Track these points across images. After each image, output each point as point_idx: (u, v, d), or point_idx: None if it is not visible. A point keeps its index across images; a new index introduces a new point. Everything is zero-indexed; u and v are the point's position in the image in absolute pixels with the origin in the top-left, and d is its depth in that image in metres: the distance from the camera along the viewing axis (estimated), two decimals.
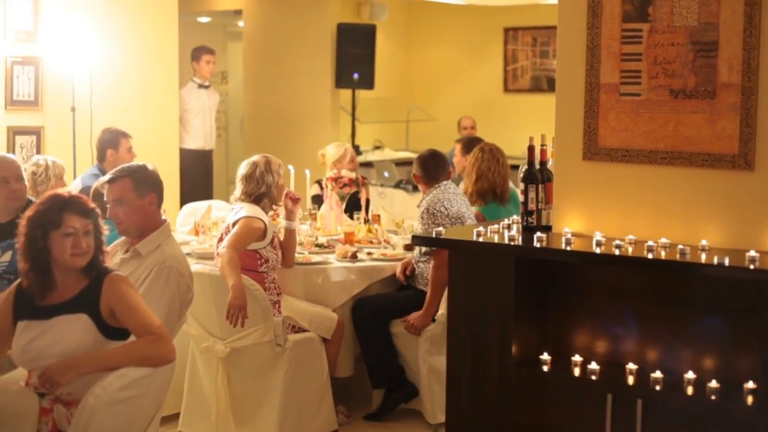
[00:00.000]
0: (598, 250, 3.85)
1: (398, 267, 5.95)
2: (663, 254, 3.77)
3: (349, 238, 6.41)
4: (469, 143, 7.20)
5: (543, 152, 4.37)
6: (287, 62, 11.37)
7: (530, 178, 4.31)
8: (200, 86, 9.84)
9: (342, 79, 10.97)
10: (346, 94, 11.29)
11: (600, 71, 4.09)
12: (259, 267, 5.44)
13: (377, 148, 12.55)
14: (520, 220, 4.36)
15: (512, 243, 4.01)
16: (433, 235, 4.19)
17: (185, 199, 8.79)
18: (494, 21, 12.54)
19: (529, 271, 4.09)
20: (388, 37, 12.75)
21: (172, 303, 4.29)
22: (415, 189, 10.16)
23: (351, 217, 7.04)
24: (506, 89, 12.73)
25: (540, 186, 4.31)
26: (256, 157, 5.64)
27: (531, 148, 4.32)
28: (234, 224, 5.39)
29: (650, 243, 3.79)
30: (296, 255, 5.89)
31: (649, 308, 3.99)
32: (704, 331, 3.87)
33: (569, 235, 3.97)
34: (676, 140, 3.96)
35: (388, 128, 12.86)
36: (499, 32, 12.67)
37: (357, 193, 7.05)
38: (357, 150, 11.10)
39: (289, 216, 5.72)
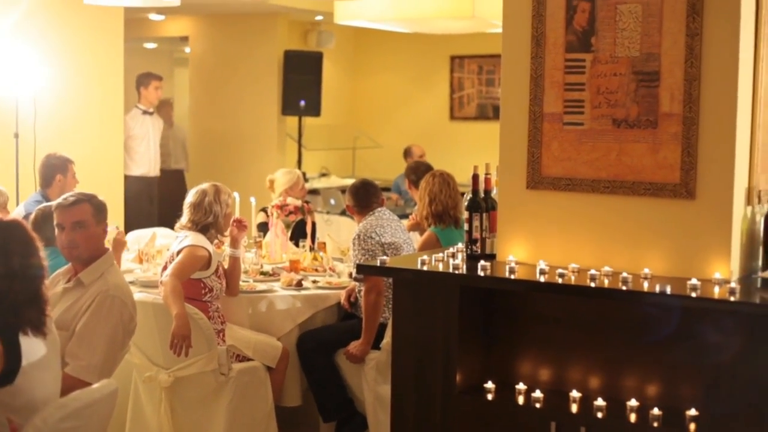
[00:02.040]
0: (541, 279, 3.86)
1: (342, 295, 5.93)
2: (606, 282, 3.79)
3: (294, 266, 6.38)
4: (416, 170, 7.23)
5: (487, 181, 4.39)
6: (234, 88, 11.36)
7: (474, 207, 4.32)
8: (144, 112, 9.78)
9: (288, 106, 10.98)
10: (292, 120, 11.30)
11: (543, 101, 4.12)
12: (203, 296, 5.39)
13: (323, 175, 12.56)
14: (464, 249, 4.37)
15: (456, 272, 4.01)
16: (378, 264, 4.18)
17: (129, 226, 8.72)
18: (441, 49, 12.61)
19: (473, 300, 4.09)
20: (335, 64, 12.78)
21: (115, 333, 4.23)
22: None
23: (296, 245, 7.01)
24: (452, 117, 12.79)
25: (484, 214, 4.32)
26: (205, 186, 5.60)
27: (475, 177, 4.34)
28: (178, 252, 5.35)
29: (593, 271, 3.81)
30: (241, 283, 5.86)
31: (593, 336, 4.00)
32: (647, 359, 3.90)
33: (513, 264, 3.98)
34: (618, 169, 3.99)
35: (334, 155, 12.87)
36: (446, 60, 12.75)
37: (303, 220, 7.03)
38: (303, 177, 11.08)
39: (234, 244, 5.69)
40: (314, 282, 6.12)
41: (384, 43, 12.94)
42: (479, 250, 4.31)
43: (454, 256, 4.35)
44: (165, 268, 5.40)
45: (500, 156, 4.26)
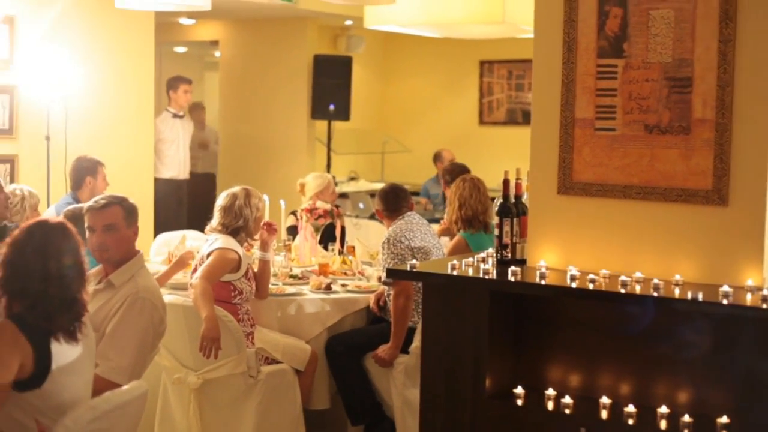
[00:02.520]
0: (572, 285, 3.85)
1: (371, 298, 5.94)
2: (637, 289, 3.78)
3: (323, 270, 6.39)
4: (452, 172, 7.23)
5: (518, 186, 4.38)
6: (263, 93, 11.39)
7: (505, 212, 4.32)
8: (175, 116, 9.82)
9: (318, 111, 11.00)
10: (321, 125, 11.32)
11: (575, 106, 4.12)
12: (232, 298, 5.41)
13: (352, 179, 12.56)
14: (494, 254, 4.37)
15: (486, 277, 4.01)
16: (408, 268, 4.18)
17: (159, 229, 8.76)
18: (470, 54, 12.59)
19: (503, 305, 4.09)
20: (364, 68, 12.79)
21: (145, 335, 4.25)
22: None
23: (326, 248, 7.02)
24: (481, 122, 12.77)
25: (515, 219, 4.32)
26: (236, 189, 5.62)
27: (506, 182, 4.34)
28: (208, 255, 5.37)
29: (624, 278, 3.80)
30: (270, 286, 5.87)
31: (623, 342, 3.99)
32: (678, 366, 3.88)
33: (543, 269, 3.98)
34: (650, 175, 3.98)
35: (363, 159, 12.88)
36: (475, 65, 12.73)
37: (332, 224, 7.04)
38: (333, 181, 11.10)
39: (264, 247, 5.70)
40: (343, 286, 6.13)
41: (413, 48, 12.93)
42: (509, 255, 4.31)
43: (484, 260, 4.35)
44: (195, 270, 5.42)
45: (531, 161, 4.26)
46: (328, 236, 7.16)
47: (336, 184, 11.41)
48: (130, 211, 4.45)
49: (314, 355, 5.65)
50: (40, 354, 3.47)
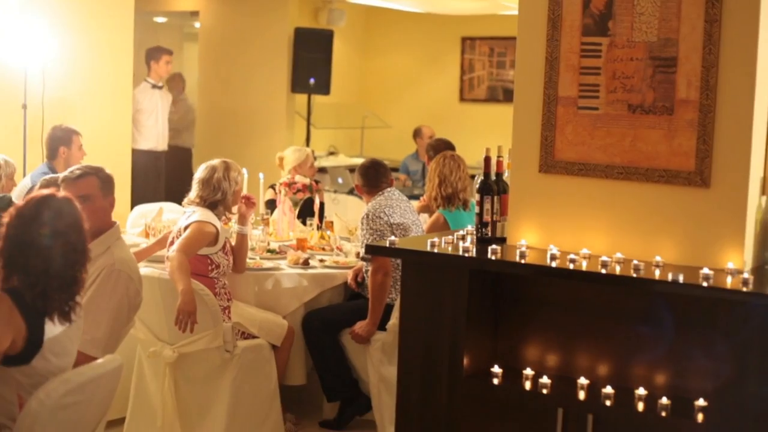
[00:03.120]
0: (552, 264, 3.82)
1: (349, 274, 5.90)
2: (617, 269, 3.76)
3: (301, 245, 6.35)
4: (436, 147, 7.19)
5: (499, 163, 4.35)
6: (243, 65, 11.30)
7: (486, 189, 4.28)
8: (154, 86, 9.73)
9: (298, 84, 10.93)
10: (301, 98, 11.24)
11: (558, 84, 4.08)
12: (209, 272, 5.37)
13: (332, 153, 12.51)
14: (474, 231, 4.33)
15: (466, 255, 3.98)
16: (387, 245, 4.14)
17: (136, 200, 8.69)
18: (452, 30, 12.53)
19: (482, 284, 4.06)
20: (345, 43, 12.71)
21: (120, 307, 4.21)
22: None
23: (304, 223, 6.98)
24: (462, 98, 12.72)
25: (495, 197, 4.28)
26: (215, 162, 5.56)
27: (487, 159, 4.30)
28: (185, 228, 5.32)
29: (604, 258, 3.78)
30: (248, 260, 5.83)
31: (602, 323, 3.97)
32: (656, 347, 3.86)
33: (524, 248, 3.95)
34: (632, 155, 3.95)
35: (342, 134, 12.81)
36: (457, 41, 12.67)
37: (311, 198, 6.99)
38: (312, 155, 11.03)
39: (242, 221, 5.65)
40: (321, 261, 6.09)
41: (395, 23, 12.86)
42: (490, 234, 4.28)
43: (464, 238, 4.32)
44: (172, 243, 5.37)
45: (513, 139, 4.22)
46: (306, 211, 7.12)
47: (315, 158, 11.43)
48: (105, 182, 4.39)
49: (291, 331, 5.62)
50: (32, 332, 3.40)
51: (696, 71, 3.80)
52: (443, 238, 4.22)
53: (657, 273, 3.71)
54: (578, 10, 4.02)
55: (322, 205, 7.20)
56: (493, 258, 3.92)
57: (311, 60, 10.91)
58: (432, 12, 11.69)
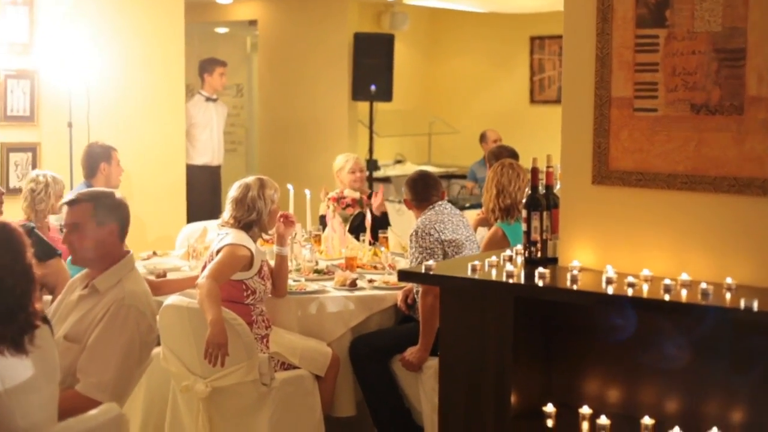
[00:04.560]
0: (609, 290, 3.35)
1: (399, 296, 5.47)
2: (683, 295, 3.27)
3: (350, 263, 5.94)
4: (497, 155, 6.74)
5: (549, 175, 3.89)
6: (303, 74, 10.96)
7: (534, 205, 3.82)
8: (208, 99, 9.41)
9: (359, 91, 10.53)
10: (364, 106, 10.84)
11: (611, 83, 3.60)
12: (245, 299, 4.99)
13: (398, 162, 12.10)
14: (523, 251, 3.88)
15: (511, 280, 3.52)
16: (422, 270, 3.70)
17: (192, 217, 8.42)
18: (520, 30, 12.05)
19: (530, 311, 3.60)
20: (409, 46, 12.29)
21: (131, 346, 3.82)
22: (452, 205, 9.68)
23: (358, 239, 6.58)
24: (532, 100, 12.22)
25: (545, 213, 3.82)
26: (250, 179, 5.18)
27: (534, 171, 3.84)
28: (217, 252, 4.95)
29: (667, 281, 3.29)
30: (291, 283, 5.44)
31: (668, 354, 3.47)
32: (731, 382, 3.36)
33: (576, 271, 3.48)
34: (697, 162, 3.46)
35: (409, 141, 12.39)
36: (525, 41, 12.17)
37: (362, 213, 6.58)
38: (374, 164, 10.65)
39: (281, 241, 5.26)
40: (370, 281, 5.67)
41: (460, 25, 12.40)
42: (539, 254, 3.81)
43: (511, 260, 3.87)
44: (204, 268, 5.00)
45: (562, 147, 3.76)
46: (360, 226, 6.71)
47: (378, 167, 11.04)
48: (102, 209, 3.97)
49: (335, 359, 5.21)
50: None
51: None
52: (487, 261, 3.77)
53: (728, 297, 3.21)
54: None
55: (377, 219, 6.81)
56: (541, 284, 3.46)
57: (372, 66, 10.51)
58: (497, 11, 11.23)
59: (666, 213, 3.54)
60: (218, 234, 5.15)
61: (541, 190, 3.87)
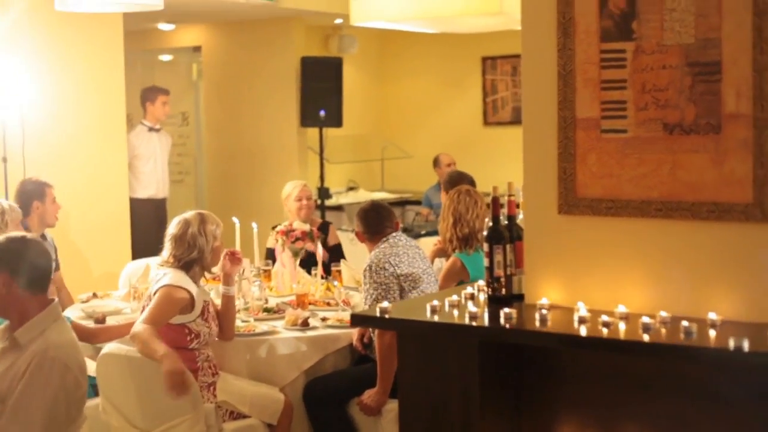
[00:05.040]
0: (581, 330, 3.05)
1: (354, 335, 5.13)
2: (663, 333, 2.98)
3: (301, 300, 5.60)
4: (453, 181, 6.43)
5: (510, 204, 3.58)
6: (250, 100, 10.62)
7: (496, 237, 3.51)
8: (150, 129, 9.02)
9: (307, 117, 10.19)
10: (313, 132, 10.52)
11: (575, 103, 3.31)
12: (188, 343, 4.64)
13: (351, 189, 11.77)
14: (486, 288, 3.56)
15: (474, 323, 3.20)
16: (377, 314, 3.37)
17: (138, 253, 8.02)
18: (471, 50, 11.78)
19: (497, 356, 3.28)
20: (358, 70, 12.00)
21: (55, 404, 3.45)
22: (407, 232, 9.38)
23: (309, 273, 6.25)
24: (486, 122, 11.94)
25: (508, 246, 3.51)
26: (189, 215, 4.84)
27: (495, 200, 3.54)
28: (154, 294, 4.59)
29: (646, 319, 3.00)
30: (240, 323, 5.10)
31: (648, 399, 3.17)
32: (716, 428, 3.06)
33: (544, 310, 3.18)
34: (673, 187, 3.18)
35: (361, 168, 12.07)
36: (477, 62, 11.92)
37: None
38: (326, 192, 10.33)
39: (227, 280, 4.92)
40: (323, 320, 5.32)
41: (411, 47, 12.12)
42: (503, 290, 3.50)
43: (473, 298, 3.55)
44: (142, 311, 4.65)
45: (525, 174, 3.46)
46: (311, 259, 6.37)
47: (330, 196, 10.71)
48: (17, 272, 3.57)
49: (288, 406, 4.85)
50: None
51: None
52: (447, 300, 3.45)
53: (713, 336, 2.92)
54: (594, 10, 3.26)
55: (332, 250, 6.49)
56: (508, 326, 3.15)
57: (320, 91, 10.18)
58: (447, 31, 10.94)
59: (640, 243, 3.24)
60: (156, 274, 4.81)
61: (503, 221, 3.56)
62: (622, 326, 3.09)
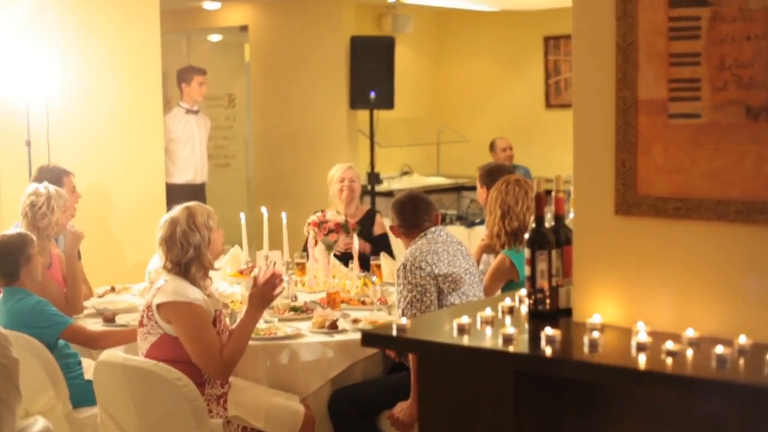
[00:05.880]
0: (640, 360, 2.47)
1: None
2: (741, 365, 2.40)
3: (332, 299, 5.07)
4: (491, 173, 5.82)
5: (558, 202, 3.01)
6: (298, 82, 10.15)
7: (539, 241, 2.94)
8: (188, 111, 8.55)
9: (357, 99, 9.66)
10: (364, 115, 9.98)
11: (637, 82, 2.73)
12: None
13: (405, 173, 11.23)
14: (527, 300, 3.00)
15: (510, 348, 2.64)
16: (393, 332, 2.82)
17: None
18: (533, 29, 11.20)
19: (535, 387, 2.71)
20: (414, 50, 11.44)
21: None
22: (461, 220, 8.87)
23: (347, 265, 5.75)
24: (548, 105, 11.35)
25: (554, 252, 2.94)
26: (175, 212, 4.29)
27: (539, 197, 2.97)
28: (153, 308, 4.10)
29: (720, 349, 2.41)
30: (261, 324, 4.60)
31: None
32: None
33: (596, 332, 2.61)
34: (757, 185, 2.59)
35: (416, 152, 11.54)
36: (539, 42, 11.31)
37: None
38: (376, 178, 9.79)
39: (256, 306, 4.33)
40: (355, 321, 4.80)
41: (469, 26, 11.56)
42: (547, 305, 2.94)
43: (512, 312, 2.99)
44: (142, 324, 4.15)
45: (575, 167, 2.89)
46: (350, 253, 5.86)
47: (380, 181, 10.15)
48: None
49: (309, 419, 4.35)
50: None
51: None
52: (479, 315, 2.89)
53: None
54: None
55: (377, 240, 5.99)
56: (549, 352, 2.58)
57: (371, 71, 9.64)
58: (508, 9, 10.36)
59: (715, 252, 2.66)
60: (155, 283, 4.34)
61: (550, 221, 2.99)
62: (689, 353, 2.51)
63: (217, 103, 11.26)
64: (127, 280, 6.26)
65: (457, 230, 8.40)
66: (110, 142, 7.37)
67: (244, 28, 10.88)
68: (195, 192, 8.70)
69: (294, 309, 5.01)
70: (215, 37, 12.23)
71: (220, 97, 11.30)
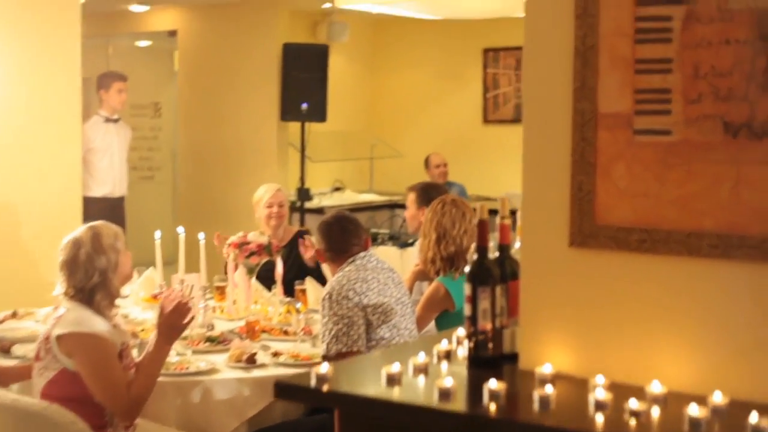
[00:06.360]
0: (598, 421, 2.08)
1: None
2: (716, 429, 2.01)
3: (251, 328, 4.64)
4: (426, 192, 5.44)
5: (503, 230, 2.61)
6: (227, 91, 9.70)
7: (481, 276, 2.53)
8: (107, 120, 8.09)
9: (288, 111, 9.23)
10: (295, 127, 9.56)
11: (598, 92, 2.34)
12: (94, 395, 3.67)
13: (337, 189, 10.81)
14: (466, 343, 2.59)
15: (447, 407, 2.22)
16: (312, 383, 2.39)
17: None
18: (472, 41, 10.89)
19: None
20: (349, 59, 11.06)
21: None
22: (394, 240, 8.47)
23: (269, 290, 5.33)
24: (486, 120, 11.02)
25: (498, 288, 2.54)
26: (78, 233, 3.85)
27: (482, 225, 2.56)
28: (52, 339, 3.64)
29: (694, 410, 2.03)
30: (172, 359, 4.15)
31: None
32: None
33: (548, 386, 2.21)
34: (735, 214, 2.21)
35: (348, 167, 11.14)
36: (478, 54, 10.99)
37: (272, 261, 5.29)
38: (306, 194, 9.37)
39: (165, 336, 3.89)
40: (275, 355, 4.36)
41: (406, 36, 11.23)
42: (490, 349, 2.53)
43: (449, 357, 2.58)
44: (38, 358, 3.69)
45: (524, 189, 2.49)
46: (271, 275, 5.43)
47: (311, 197, 9.73)
48: None
49: None
50: None
51: None
52: (411, 362, 2.48)
53: None
54: None
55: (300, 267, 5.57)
56: (493, 412, 2.17)
57: (303, 81, 9.22)
58: (447, 17, 10.00)
59: (686, 292, 2.28)
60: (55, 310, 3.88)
61: (493, 250, 2.59)
62: (655, 412, 2.13)
63: (142, 112, 10.80)
64: (37, 303, 5.78)
65: (389, 251, 8.00)
66: (22, 150, 6.90)
67: (172, 33, 10.42)
68: (113, 206, 8.27)
69: (210, 340, 4.57)
70: (144, 43, 11.76)
71: (146, 106, 10.83)
